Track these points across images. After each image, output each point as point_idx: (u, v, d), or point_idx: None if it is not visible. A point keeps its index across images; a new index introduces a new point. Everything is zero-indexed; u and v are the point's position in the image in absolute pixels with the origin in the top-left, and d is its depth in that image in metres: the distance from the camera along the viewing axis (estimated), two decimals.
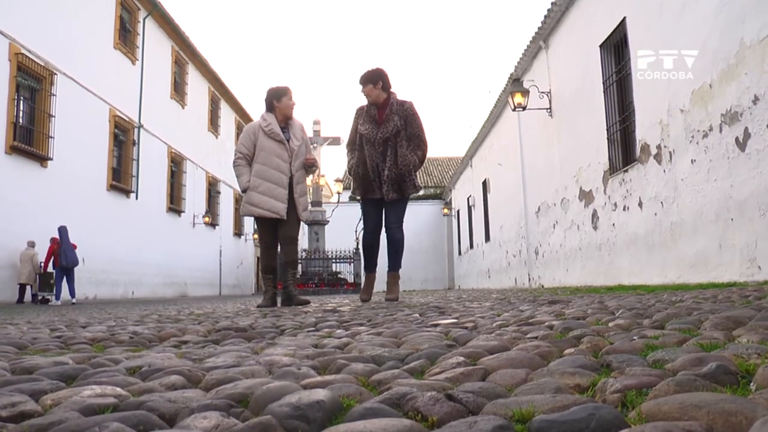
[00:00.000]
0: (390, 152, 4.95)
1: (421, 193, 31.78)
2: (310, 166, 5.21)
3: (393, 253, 5.19)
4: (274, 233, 5.15)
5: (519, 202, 13.89)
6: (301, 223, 5.44)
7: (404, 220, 5.19)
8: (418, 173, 5.20)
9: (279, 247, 5.28)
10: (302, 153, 5.17)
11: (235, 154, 5.13)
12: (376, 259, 5.22)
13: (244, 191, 5.05)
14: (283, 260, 5.24)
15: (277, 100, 5.16)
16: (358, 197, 5.34)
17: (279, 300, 5.24)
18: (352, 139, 5.28)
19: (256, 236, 31.40)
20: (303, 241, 21.62)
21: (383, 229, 5.19)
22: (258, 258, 32.67)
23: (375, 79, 5.08)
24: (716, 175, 5.73)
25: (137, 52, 17.49)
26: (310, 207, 5.13)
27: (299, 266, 22.33)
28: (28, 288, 12.24)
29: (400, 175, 4.96)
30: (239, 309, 4.91)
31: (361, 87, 5.16)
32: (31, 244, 12.03)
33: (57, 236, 12.09)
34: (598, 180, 8.94)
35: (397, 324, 2.23)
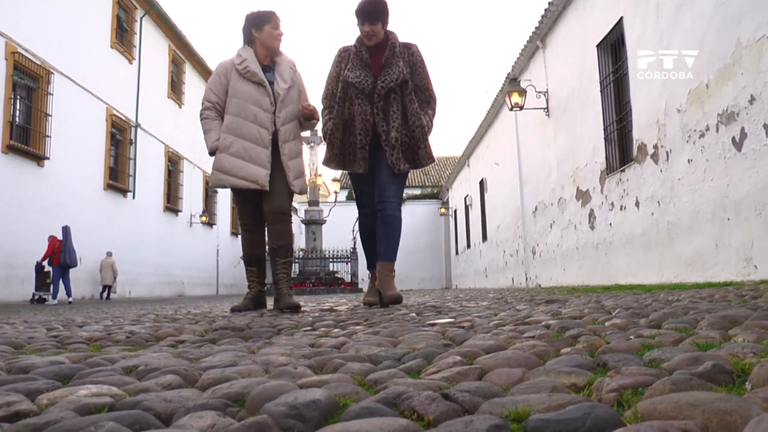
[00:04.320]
0: (396, 108, 3.77)
1: (418, 192, 31.81)
2: (309, 118, 3.87)
3: (387, 235, 3.86)
4: (257, 207, 3.87)
5: (516, 201, 13.91)
6: (294, 195, 4.08)
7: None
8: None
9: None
10: (292, 99, 3.83)
11: (202, 104, 3.84)
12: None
13: (211, 153, 3.78)
14: (270, 245, 3.95)
15: (257, 28, 3.81)
16: (333, 169, 4.07)
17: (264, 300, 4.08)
18: (330, 92, 3.94)
19: None
20: (300, 240, 21.60)
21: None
22: None
23: (384, 17, 3.82)
24: (713, 174, 5.74)
25: (134, 51, 17.45)
26: (305, 185, 3.99)
27: (294, 260, 21.94)
28: (106, 288, 14.84)
29: (413, 139, 3.80)
30: None
31: (361, 22, 3.81)
32: (109, 254, 14.84)
33: (56, 235, 12.20)
34: (595, 180, 8.95)
35: (393, 323, 2.23)
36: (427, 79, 3.95)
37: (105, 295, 14.87)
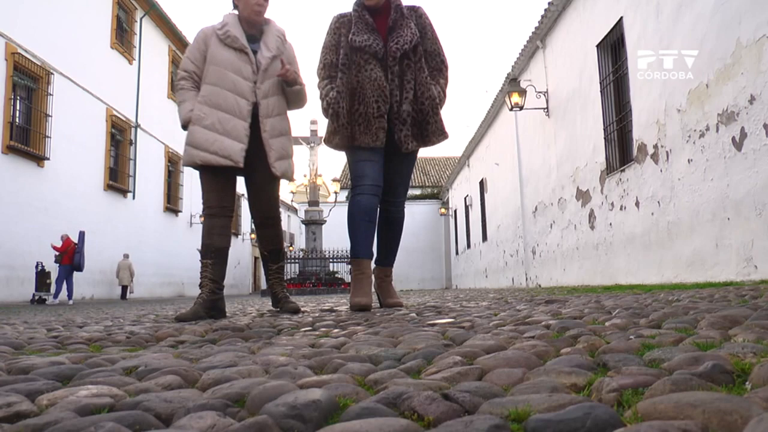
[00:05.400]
0: (411, 76, 3.39)
1: (418, 192, 31.79)
2: (291, 83, 3.36)
3: (390, 239, 3.68)
4: (227, 191, 3.37)
5: (516, 201, 13.91)
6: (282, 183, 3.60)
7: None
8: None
9: (257, 227, 3.60)
10: (278, 71, 3.32)
11: (178, 74, 3.39)
12: (373, 236, 3.52)
13: (184, 126, 3.30)
14: (261, 250, 3.62)
15: None
16: (336, 148, 3.51)
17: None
18: (329, 61, 3.48)
19: (253, 236, 31.33)
20: (300, 241, 21.60)
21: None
22: (256, 258, 32.62)
23: None
24: (713, 174, 5.74)
25: (134, 51, 17.47)
26: (291, 168, 3.46)
27: (295, 260, 21.98)
28: (124, 288, 16.19)
29: (422, 112, 3.40)
30: (236, 309, 4.90)
31: None
32: (126, 256, 16.15)
33: (69, 234, 12.54)
34: (595, 180, 8.95)
35: (393, 324, 2.23)
36: (438, 43, 3.58)
37: (125, 294, 16.06)
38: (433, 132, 3.44)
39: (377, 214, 3.52)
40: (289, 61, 3.44)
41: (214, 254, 3.28)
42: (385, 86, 3.34)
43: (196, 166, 3.26)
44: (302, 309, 3.85)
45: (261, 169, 3.32)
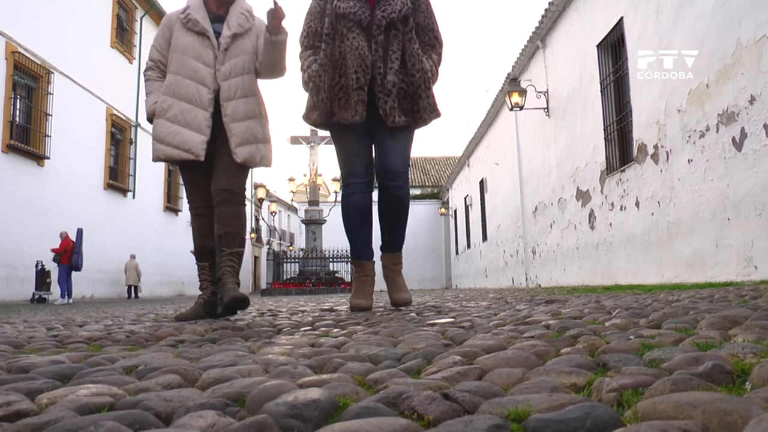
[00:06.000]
0: (397, 47, 3.12)
1: (419, 192, 31.77)
2: (276, 33, 3.00)
3: (393, 221, 3.34)
4: (210, 188, 3.13)
5: (516, 201, 13.91)
6: (250, 170, 3.34)
7: None
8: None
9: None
10: (243, 50, 3.11)
11: (146, 64, 3.22)
12: (371, 235, 3.31)
13: (149, 119, 3.13)
14: (216, 231, 3.07)
15: None
16: (314, 125, 3.30)
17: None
18: (313, 29, 3.25)
19: (253, 235, 31.26)
20: (300, 240, 21.62)
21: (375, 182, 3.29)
22: (256, 258, 32.64)
23: None
24: (713, 174, 5.74)
25: (134, 51, 17.48)
26: (261, 154, 3.15)
27: (286, 261, 21.81)
28: (132, 288, 16.53)
29: (413, 85, 3.14)
30: None
31: None
32: (132, 257, 16.49)
33: (68, 232, 12.48)
34: (595, 180, 8.95)
35: (393, 323, 2.23)
36: (432, 18, 3.33)
37: (134, 294, 16.45)
38: (425, 108, 3.18)
39: (372, 210, 3.33)
40: (259, 35, 3.20)
41: (209, 255, 3.18)
42: (366, 56, 3.07)
43: (162, 162, 3.15)
44: (302, 309, 3.83)
45: (223, 156, 3.07)
